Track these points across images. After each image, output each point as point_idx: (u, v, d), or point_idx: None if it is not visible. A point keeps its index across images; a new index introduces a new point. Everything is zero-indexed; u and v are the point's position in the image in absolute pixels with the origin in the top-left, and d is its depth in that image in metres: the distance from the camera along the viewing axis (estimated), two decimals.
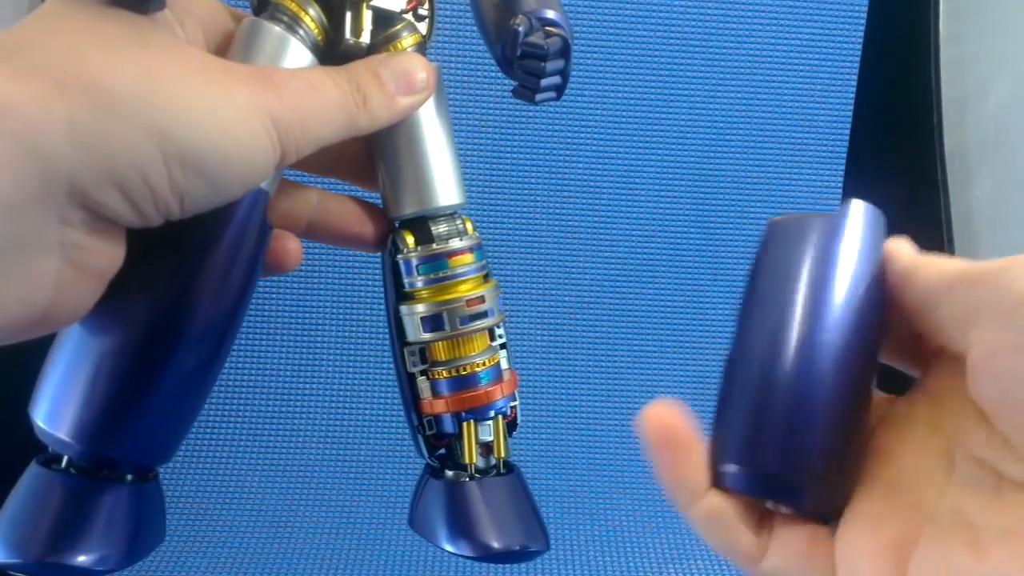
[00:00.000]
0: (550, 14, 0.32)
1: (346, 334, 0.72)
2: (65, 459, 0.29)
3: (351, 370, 0.73)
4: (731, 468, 0.24)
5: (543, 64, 0.31)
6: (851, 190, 0.78)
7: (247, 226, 0.29)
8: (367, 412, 0.74)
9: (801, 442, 0.24)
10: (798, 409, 0.24)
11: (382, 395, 0.73)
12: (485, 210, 0.74)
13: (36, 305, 0.24)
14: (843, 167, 0.78)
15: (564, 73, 0.32)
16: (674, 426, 0.25)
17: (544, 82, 0.32)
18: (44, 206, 0.23)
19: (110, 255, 0.26)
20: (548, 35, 0.31)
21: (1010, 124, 0.72)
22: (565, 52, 0.32)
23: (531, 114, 0.72)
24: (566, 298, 0.76)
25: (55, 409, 0.28)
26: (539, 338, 0.75)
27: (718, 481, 0.25)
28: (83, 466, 0.29)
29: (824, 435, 0.24)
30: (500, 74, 0.33)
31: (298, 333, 0.72)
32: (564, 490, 0.72)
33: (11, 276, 0.23)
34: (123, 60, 0.24)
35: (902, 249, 0.26)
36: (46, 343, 0.29)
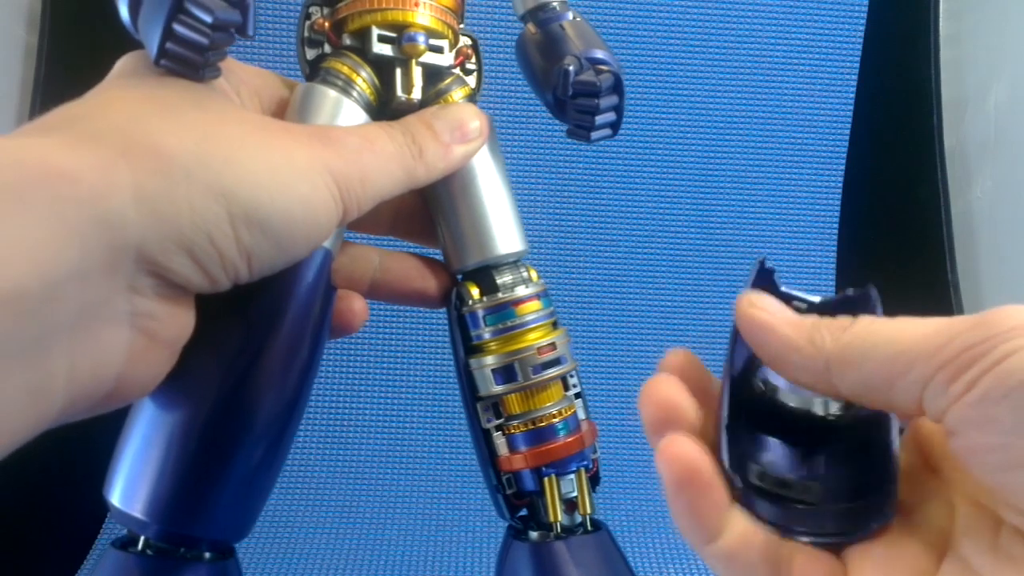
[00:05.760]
0: (598, 54, 0.32)
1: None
2: (142, 540, 0.29)
3: (351, 370, 0.73)
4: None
5: (596, 101, 0.31)
6: (851, 190, 0.78)
7: (314, 288, 0.29)
8: (367, 412, 0.73)
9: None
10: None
11: (382, 395, 0.73)
12: None
13: (108, 376, 0.24)
14: (843, 167, 0.78)
15: (618, 109, 0.32)
16: (697, 465, 0.22)
17: (599, 119, 0.32)
18: (113, 275, 0.23)
19: (180, 323, 0.26)
20: (599, 73, 0.31)
21: (1010, 124, 0.72)
22: (618, 88, 0.32)
23: (531, 114, 0.72)
24: (566, 298, 0.76)
25: (130, 488, 0.28)
26: None
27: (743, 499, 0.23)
28: (160, 546, 0.29)
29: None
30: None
31: None
32: None
33: (82, 347, 0.22)
34: (183, 125, 0.25)
35: (791, 328, 0.23)
36: (112, 420, 0.28)
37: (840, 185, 0.78)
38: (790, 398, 0.26)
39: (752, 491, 0.24)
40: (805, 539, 0.23)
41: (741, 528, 0.23)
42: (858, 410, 0.25)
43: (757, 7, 0.75)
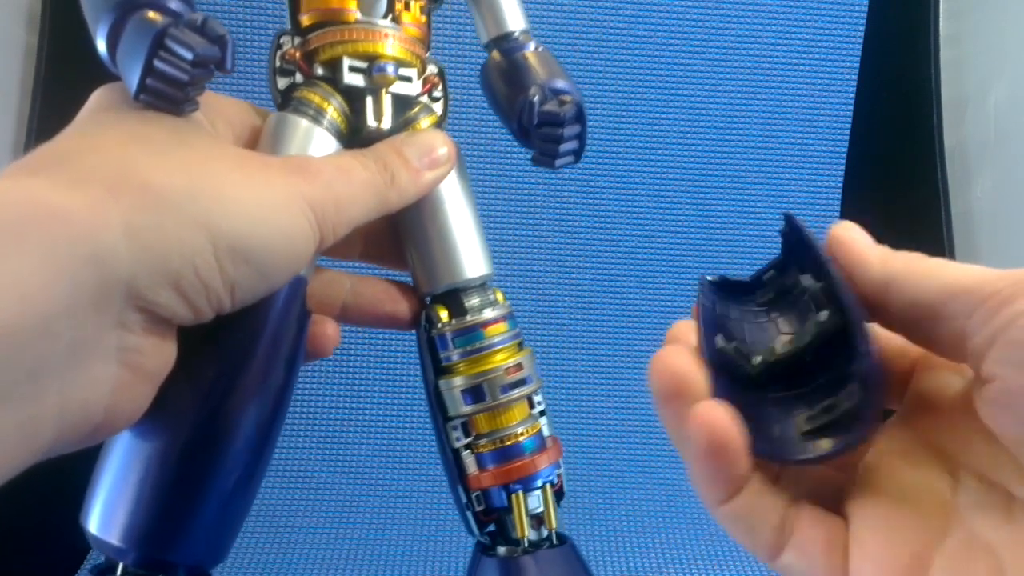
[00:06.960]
0: (560, 83, 0.33)
1: (346, 334, 0.72)
2: (120, 567, 0.29)
3: (351, 370, 0.73)
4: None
5: (560, 130, 0.33)
6: (851, 190, 0.78)
7: (288, 313, 0.30)
8: (367, 412, 0.73)
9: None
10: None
11: (382, 395, 0.73)
12: (485, 210, 0.74)
13: (96, 411, 0.24)
14: (843, 167, 0.78)
15: (581, 137, 0.34)
16: (729, 434, 0.22)
17: (563, 147, 0.33)
18: (102, 311, 0.23)
19: (164, 355, 0.26)
20: (562, 103, 0.33)
21: (1010, 124, 0.72)
22: (580, 117, 0.33)
23: None
24: (566, 298, 0.76)
25: (107, 516, 0.28)
26: (539, 338, 0.75)
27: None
28: (138, 573, 0.29)
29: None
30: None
31: None
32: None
33: (72, 383, 0.23)
34: (168, 160, 0.25)
35: (869, 249, 0.25)
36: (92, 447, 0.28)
37: (840, 185, 0.78)
38: (795, 338, 0.25)
39: (801, 438, 0.23)
40: (851, 441, 0.22)
41: (755, 490, 0.23)
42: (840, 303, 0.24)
43: (757, 7, 0.75)
